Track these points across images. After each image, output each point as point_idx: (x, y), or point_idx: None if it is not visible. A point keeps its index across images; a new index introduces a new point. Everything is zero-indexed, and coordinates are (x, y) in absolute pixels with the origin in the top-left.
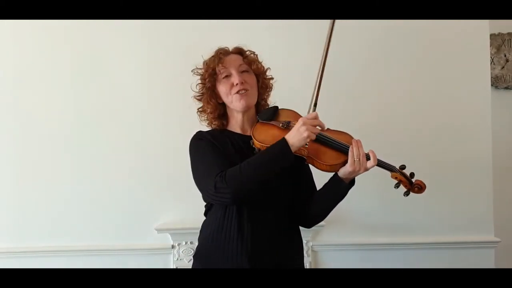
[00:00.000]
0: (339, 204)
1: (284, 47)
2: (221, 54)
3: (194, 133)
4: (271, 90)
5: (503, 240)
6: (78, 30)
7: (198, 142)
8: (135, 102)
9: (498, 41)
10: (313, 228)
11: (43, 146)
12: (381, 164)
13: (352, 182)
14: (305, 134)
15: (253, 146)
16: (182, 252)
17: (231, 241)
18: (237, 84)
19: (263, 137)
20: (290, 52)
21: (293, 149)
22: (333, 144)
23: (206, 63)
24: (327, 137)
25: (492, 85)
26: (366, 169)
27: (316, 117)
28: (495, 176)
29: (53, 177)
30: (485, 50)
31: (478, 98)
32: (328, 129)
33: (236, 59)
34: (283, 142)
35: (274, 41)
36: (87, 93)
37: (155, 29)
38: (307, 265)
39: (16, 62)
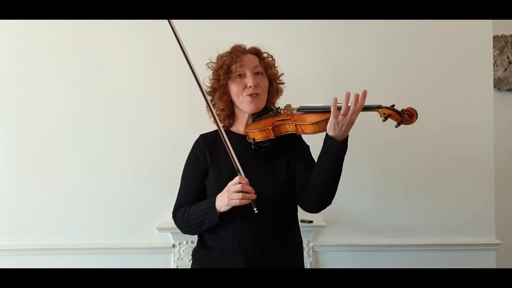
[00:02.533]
0: (340, 205)
1: (286, 46)
2: (238, 52)
3: (195, 132)
4: (281, 94)
5: (504, 242)
6: (81, 30)
7: (188, 157)
8: (137, 102)
9: (501, 43)
10: (314, 228)
11: (45, 145)
12: (367, 107)
13: (345, 143)
14: (225, 201)
15: (249, 140)
16: (183, 251)
17: (226, 241)
18: (250, 86)
19: (256, 126)
20: (292, 52)
21: (220, 210)
22: (318, 109)
23: (222, 59)
24: (312, 106)
25: (494, 87)
26: (354, 115)
27: (237, 182)
28: (496, 178)
29: (55, 176)
30: (488, 52)
31: (481, 100)
32: None
33: (252, 59)
34: (211, 203)
35: (277, 40)
36: (90, 92)
37: (158, 29)
38: (307, 266)
39: (19, 61)
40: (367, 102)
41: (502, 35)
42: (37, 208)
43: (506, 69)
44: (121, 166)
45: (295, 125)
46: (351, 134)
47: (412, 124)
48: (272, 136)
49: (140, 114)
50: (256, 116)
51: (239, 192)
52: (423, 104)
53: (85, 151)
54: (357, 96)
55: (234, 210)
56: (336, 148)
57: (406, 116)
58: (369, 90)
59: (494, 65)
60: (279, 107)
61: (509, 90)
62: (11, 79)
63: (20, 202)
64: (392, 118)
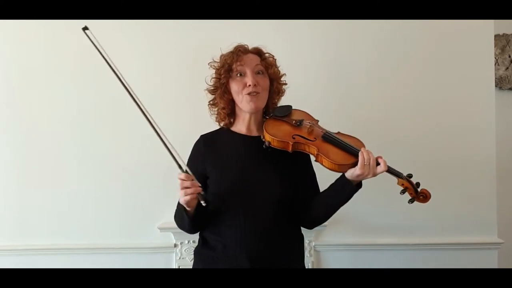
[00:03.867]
0: None
1: (287, 46)
2: (239, 52)
3: (197, 131)
4: (283, 95)
5: (506, 242)
6: (81, 30)
7: (189, 158)
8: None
9: (502, 42)
10: (315, 228)
11: (46, 145)
12: (389, 170)
13: (359, 185)
14: (181, 201)
15: (264, 139)
16: (185, 251)
17: (229, 240)
18: (249, 85)
19: (275, 131)
20: (293, 51)
21: (188, 208)
22: (343, 146)
23: (223, 58)
24: (338, 139)
25: (496, 86)
26: (375, 174)
27: (183, 181)
28: (498, 177)
29: (57, 176)
30: (489, 50)
31: (482, 99)
32: (338, 132)
33: (253, 59)
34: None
35: (276, 40)
36: (90, 92)
37: (159, 29)
38: (309, 265)
39: (19, 61)
40: (370, 100)
41: (504, 33)
42: (38, 208)
43: (507, 68)
44: (123, 166)
45: (317, 153)
46: (353, 132)
47: (413, 124)
48: (289, 150)
49: (142, 115)
50: (275, 115)
51: (181, 189)
52: (424, 104)
53: (86, 151)
54: (383, 160)
55: (237, 210)
56: (350, 192)
57: (421, 197)
58: (370, 89)
59: (495, 64)
60: (302, 120)
61: (510, 89)
62: (12, 79)
63: (21, 202)
64: (408, 191)
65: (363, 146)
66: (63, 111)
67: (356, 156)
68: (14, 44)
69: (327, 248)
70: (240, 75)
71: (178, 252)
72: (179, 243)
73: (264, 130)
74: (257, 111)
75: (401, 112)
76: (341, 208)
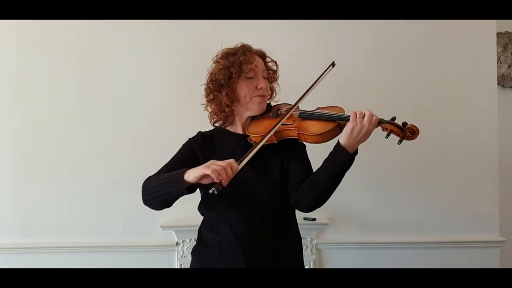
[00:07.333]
0: (343, 203)
1: (285, 46)
2: (249, 53)
3: (199, 129)
4: (275, 96)
5: (508, 240)
6: (86, 30)
7: (183, 145)
8: (141, 100)
9: (505, 40)
10: (317, 226)
11: (49, 143)
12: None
13: (354, 153)
14: (200, 169)
15: (250, 141)
16: (187, 249)
17: (225, 239)
18: (261, 88)
19: (257, 129)
20: (292, 51)
21: (188, 179)
22: (319, 117)
23: (234, 57)
24: (313, 112)
25: (498, 83)
26: (370, 124)
27: (229, 165)
28: (500, 175)
29: (59, 174)
30: (491, 48)
31: (485, 97)
32: (317, 108)
33: (261, 62)
34: (181, 170)
35: (277, 40)
36: (93, 90)
37: (161, 28)
38: (311, 263)
39: (25, 60)
40: (372, 98)
41: (506, 31)
42: (40, 207)
43: (510, 65)
44: (125, 164)
45: (298, 133)
46: None
47: (414, 122)
48: (275, 141)
49: (144, 113)
50: (255, 116)
51: (223, 168)
52: (427, 102)
53: (89, 149)
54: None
55: (233, 207)
56: (344, 160)
57: (408, 133)
58: (373, 88)
59: (498, 62)
60: (278, 110)
61: None
62: (14, 79)
63: (23, 201)
64: (394, 133)
65: (343, 111)
66: (66, 110)
67: (334, 121)
68: (16, 44)
69: (328, 246)
70: (250, 77)
71: (180, 250)
72: (181, 242)
73: (248, 132)
74: (262, 112)
75: (403, 110)
76: (343, 206)
